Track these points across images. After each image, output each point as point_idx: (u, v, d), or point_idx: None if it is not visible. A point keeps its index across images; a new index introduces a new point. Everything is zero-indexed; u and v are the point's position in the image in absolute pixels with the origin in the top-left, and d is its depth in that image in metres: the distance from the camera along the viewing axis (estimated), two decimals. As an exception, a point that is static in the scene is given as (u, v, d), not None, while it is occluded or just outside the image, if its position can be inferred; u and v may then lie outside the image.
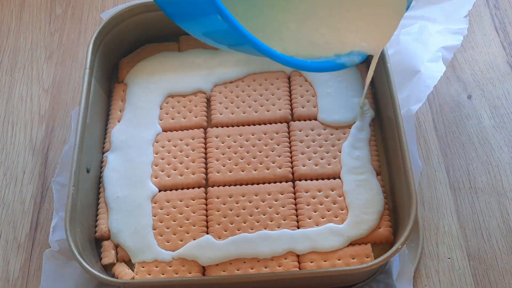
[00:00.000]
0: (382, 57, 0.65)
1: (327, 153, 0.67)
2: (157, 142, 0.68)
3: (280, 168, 0.66)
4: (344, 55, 0.55)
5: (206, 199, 0.65)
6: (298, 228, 0.62)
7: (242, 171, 0.66)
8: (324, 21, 0.55)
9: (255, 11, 0.53)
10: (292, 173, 0.66)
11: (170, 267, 0.60)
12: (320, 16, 0.55)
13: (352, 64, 0.55)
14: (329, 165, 0.66)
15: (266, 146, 0.68)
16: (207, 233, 0.62)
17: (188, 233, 0.62)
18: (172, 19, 0.48)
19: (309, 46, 0.54)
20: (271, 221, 0.62)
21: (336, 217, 0.62)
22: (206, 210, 0.64)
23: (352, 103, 0.69)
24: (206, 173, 0.67)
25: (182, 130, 0.70)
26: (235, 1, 0.51)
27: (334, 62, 0.55)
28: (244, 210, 0.63)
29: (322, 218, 0.62)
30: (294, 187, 0.65)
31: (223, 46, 0.51)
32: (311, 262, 0.60)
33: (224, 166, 0.66)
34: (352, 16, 0.55)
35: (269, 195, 0.64)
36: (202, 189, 0.65)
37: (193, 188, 0.66)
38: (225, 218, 0.63)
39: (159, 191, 0.65)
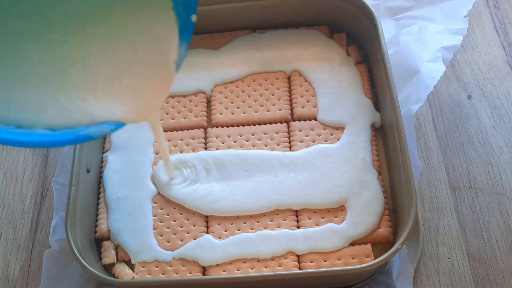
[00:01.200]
0: (382, 57, 0.65)
1: (327, 153, 0.67)
2: (157, 142, 0.68)
3: (280, 168, 0.66)
4: (94, 125, 0.49)
5: (206, 199, 0.65)
6: (298, 228, 0.62)
7: (242, 171, 0.66)
8: (87, 88, 0.49)
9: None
10: (292, 173, 0.66)
11: (170, 267, 0.60)
12: (81, 83, 0.49)
13: (101, 135, 0.50)
14: (329, 165, 0.66)
15: (266, 146, 0.67)
16: (207, 233, 0.62)
17: (188, 233, 0.62)
18: None
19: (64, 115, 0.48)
20: (271, 221, 0.62)
21: (336, 217, 0.62)
22: (206, 210, 0.64)
23: (352, 103, 0.69)
24: (206, 173, 0.67)
25: (182, 130, 0.70)
26: None
27: (76, 133, 0.48)
28: (244, 210, 0.63)
29: (322, 218, 0.62)
30: (294, 187, 0.65)
31: None
32: (311, 262, 0.60)
33: (224, 166, 0.66)
34: (117, 86, 0.50)
35: (269, 195, 0.64)
36: (202, 189, 0.65)
37: (193, 188, 0.66)
38: (225, 218, 0.63)
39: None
